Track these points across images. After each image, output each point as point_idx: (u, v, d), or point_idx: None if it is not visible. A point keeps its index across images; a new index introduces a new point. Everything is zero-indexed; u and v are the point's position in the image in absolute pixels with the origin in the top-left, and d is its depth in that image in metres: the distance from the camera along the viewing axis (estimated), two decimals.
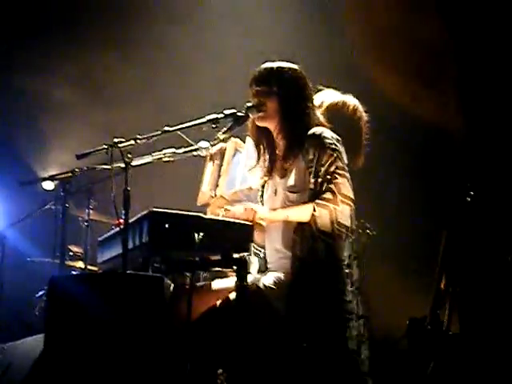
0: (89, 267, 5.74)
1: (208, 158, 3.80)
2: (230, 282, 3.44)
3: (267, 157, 3.57)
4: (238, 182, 3.57)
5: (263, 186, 3.63)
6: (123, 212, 3.18)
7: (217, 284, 3.52)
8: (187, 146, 3.58)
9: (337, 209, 3.25)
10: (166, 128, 3.44)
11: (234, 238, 3.25)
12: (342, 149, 3.40)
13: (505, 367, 4.45)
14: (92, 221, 5.67)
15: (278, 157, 3.56)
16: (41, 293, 6.03)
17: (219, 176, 3.76)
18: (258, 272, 3.59)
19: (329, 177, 3.30)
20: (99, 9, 6.59)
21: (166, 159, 3.50)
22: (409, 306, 5.34)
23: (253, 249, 3.66)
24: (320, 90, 3.71)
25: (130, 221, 3.21)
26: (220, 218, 3.34)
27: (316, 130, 3.42)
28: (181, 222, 3.14)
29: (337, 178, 3.30)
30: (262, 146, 3.59)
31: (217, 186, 3.83)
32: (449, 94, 5.81)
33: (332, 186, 3.29)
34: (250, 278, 3.42)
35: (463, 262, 4.86)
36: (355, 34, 6.10)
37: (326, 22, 6.15)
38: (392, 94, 6.02)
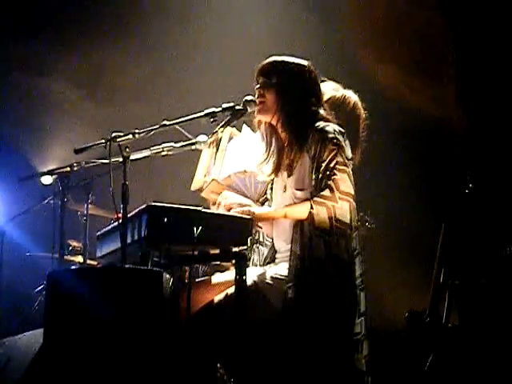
0: (88, 261, 5.74)
1: (204, 147, 3.77)
2: (229, 275, 3.44)
3: (275, 152, 3.54)
4: (232, 166, 3.54)
5: (272, 183, 3.62)
6: (122, 206, 3.18)
7: (216, 278, 3.52)
8: (186, 140, 3.57)
9: (335, 206, 3.22)
10: (165, 122, 3.44)
11: (233, 231, 3.24)
12: (345, 142, 3.36)
13: (503, 360, 4.46)
14: (91, 215, 5.67)
15: (285, 152, 3.53)
16: (40, 287, 6.04)
17: (214, 163, 3.74)
18: (265, 261, 3.58)
19: (328, 173, 3.26)
20: (98, 3, 6.58)
21: (165, 153, 3.50)
22: (408, 299, 5.35)
23: (261, 238, 3.66)
24: (322, 81, 3.70)
25: (129, 215, 3.21)
26: (219, 211, 3.34)
27: (319, 124, 3.38)
28: (180, 216, 3.13)
29: (336, 175, 3.26)
30: (269, 142, 3.55)
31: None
32: (448, 87, 5.80)
33: (331, 182, 3.25)
34: (257, 270, 3.43)
35: (462, 255, 4.86)
36: (355, 27, 6.09)
37: (326, 15, 6.14)
38: (391, 87, 6.01)
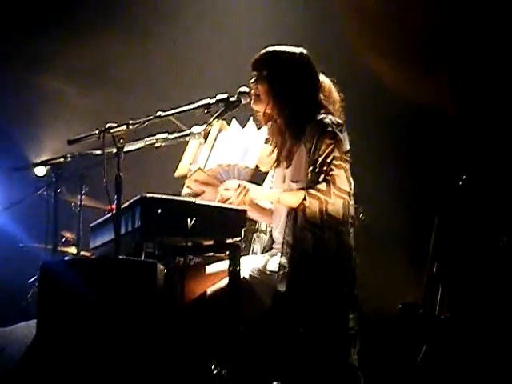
0: (82, 253, 5.74)
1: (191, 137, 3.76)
2: (223, 265, 3.44)
3: (274, 143, 3.53)
4: (219, 158, 3.55)
5: (272, 174, 3.62)
6: (115, 197, 3.17)
7: (210, 268, 3.53)
8: (180, 132, 3.57)
9: (328, 201, 3.22)
10: (159, 113, 3.43)
11: (227, 223, 3.25)
12: (342, 135, 3.34)
13: (496, 351, 4.47)
14: (84, 206, 5.66)
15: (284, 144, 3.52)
16: (33, 278, 6.03)
17: (201, 153, 3.74)
18: (264, 251, 3.59)
19: (325, 167, 3.25)
20: None
21: (159, 144, 3.49)
22: (401, 291, 5.36)
23: (263, 227, 3.65)
24: None
25: (123, 206, 3.20)
26: (213, 203, 3.34)
27: (317, 116, 3.36)
28: (173, 208, 3.14)
29: (333, 170, 3.25)
30: (270, 133, 3.55)
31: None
32: (442, 79, 5.80)
33: (327, 177, 3.24)
34: (259, 261, 3.43)
35: (455, 247, 4.87)
36: (349, 19, 6.09)
37: (320, 8, 6.13)
38: (384, 78, 6.01)
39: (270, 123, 3.53)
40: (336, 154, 3.28)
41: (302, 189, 3.29)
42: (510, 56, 5.57)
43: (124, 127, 3.32)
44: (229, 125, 3.68)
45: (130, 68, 6.69)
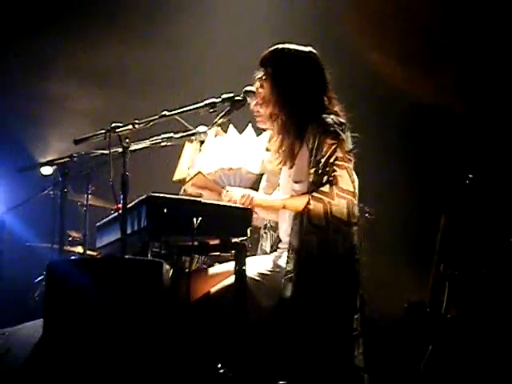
0: (88, 252, 5.74)
1: (186, 142, 3.78)
2: (228, 266, 3.44)
3: (279, 142, 3.51)
4: (220, 162, 3.55)
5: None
6: (122, 197, 3.17)
7: (215, 269, 3.53)
8: (185, 131, 3.57)
9: (332, 202, 3.21)
10: (164, 112, 3.43)
11: (233, 222, 3.25)
12: (345, 134, 3.33)
13: (502, 350, 4.47)
14: (91, 206, 5.66)
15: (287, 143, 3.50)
16: (40, 278, 6.04)
17: (198, 157, 3.74)
18: (272, 248, 3.59)
19: (328, 169, 3.24)
20: None
21: (164, 144, 3.49)
22: (408, 290, 5.35)
23: (272, 224, 3.65)
24: None
25: (129, 206, 3.21)
26: (218, 202, 3.34)
27: (319, 115, 3.34)
28: (179, 207, 3.14)
29: (335, 171, 3.24)
30: (275, 131, 3.53)
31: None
32: (447, 78, 5.79)
33: (330, 178, 3.23)
34: (264, 262, 3.43)
35: (462, 246, 4.86)
36: (353, 19, 6.08)
37: (324, 8, 6.13)
38: (390, 76, 6.00)
39: (271, 121, 3.52)
40: (338, 154, 3.27)
41: (306, 193, 3.28)
42: None
43: (130, 127, 3.32)
44: (225, 131, 3.69)
45: (136, 69, 6.70)
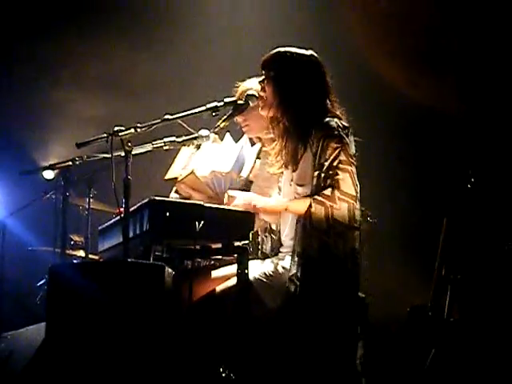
0: (90, 256, 5.74)
1: (183, 146, 3.79)
2: (229, 269, 3.44)
3: (279, 146, 3.51)
4: (214, 165, 3.57)
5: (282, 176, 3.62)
6: (124, 201, 3.17)
7: (217, 272, 3.53)
8: (187, 135, 3.57)
9: (333, 206, 3.21)
10: (166, 116, 3.43)
11: (235, 226, 3.25)
12: (349, 138, 3.33)
13: (504, 354, 4.46)
14: (92, 210, 5.67)
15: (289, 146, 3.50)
16: (42, 281, 6.04)
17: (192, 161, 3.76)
18: (272, 252, 3.59)
19: (330, 172, 3.24)
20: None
21: (167, 148, 3.50)
22: (409, 294, 5.35)
23: (273, 227, 3.65)
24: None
25: (131, 209, 3.21)
26: (221, 206, 3.34)
27: (322, 119, 3.34)
28: (181, 211, 3.14)
29: (338, 174, 3.23)
30: (276, 135, 3.54)
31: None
32: (448, 80, 5.79)
33: (333, 182, 3.23)
34: (266, 265, 3.43)
35: (464, 250, 4.86)
36: (354, 20, 6.08)
37: (326, 8, 6.12)
38: (390, 79, 6.00)
39: (272, 124, 3.52)
40: (342, 157, 3.26)
41: (308, 196, 3.28)
42: None
43: (132, 130, 3.33)
44: (221, 139, 3.72)
45: (139, 75, 6.71)
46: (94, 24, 6.54)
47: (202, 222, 3.11)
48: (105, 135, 3.33)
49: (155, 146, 3.45)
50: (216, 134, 3.64)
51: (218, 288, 3.39)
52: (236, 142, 3.77)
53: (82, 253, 6.18)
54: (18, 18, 6.52)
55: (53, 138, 6.91)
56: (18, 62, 6.70)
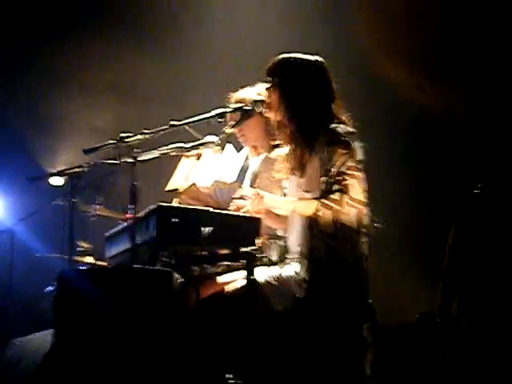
0: (98, 262, 5.76)
1: (183, 157, 3.81)
2: (237, 275, 3.44)
3: (290, 152, 3.52)
4: (216, 176, 3.58)
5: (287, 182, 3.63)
6: (131, 207, 3.18)
7: (224, 278, 3.53)
8: (194, 141, 3.58)
9: (342, 211, 3.21)
10: (173, 122, 3.44)
11: (242, 232, 3.25)
12: (355, 144, 3.33)
13: None
14: (100, 216, 5.68)
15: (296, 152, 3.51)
16: (50, 288, 6.05)
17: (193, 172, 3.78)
18: (280, 257, 3.59)
19: (339, 178, 3.24)
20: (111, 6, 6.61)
21: (174, 154, 3.51)
22: (418, 300, 5.33)
23: (279, 233, 3.65)
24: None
25: (138, 215, 3.21)
26: (228, 212, 3.35)
27: (329, 125, 3.34)
28: (188, 217, 3.14)
29: (346, 180, 3.23)
30: (282, 141, 3.55)
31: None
32: (456, 84, 5.77)
33: (341, 187, 3.23)
34: (274, 270, 3.43)
35: (472, 256, 4.84)
36: (361, 24, 6.07)
37: (335, 10, 6.12)
38: (397, 83, 5.99)
39: (279, 131, 3.53)
40: (349, 163, 3.27)
41: (316, 198, 3.28)
42: None
43: (139, 137, 3.34)
44: (222, 149, 3.74)
45: (145, 82, 6.72)
46: (100, 34, 6.55)
47: (209, 228, 3.11)
48: (112, 142, 3.34)
49: (162, 152, 3.46)
50: (218, 145, 3.67)
51: (226, 288, 3.39)
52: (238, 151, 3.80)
53: (89, 259, 6.19)
54: (27, 30, 6.55)
55: (61, 146, 6.93)
56: (27, 72, 6.72)
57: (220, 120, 3.50)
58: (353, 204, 3.23)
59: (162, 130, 3.41)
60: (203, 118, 3.49)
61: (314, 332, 3.19)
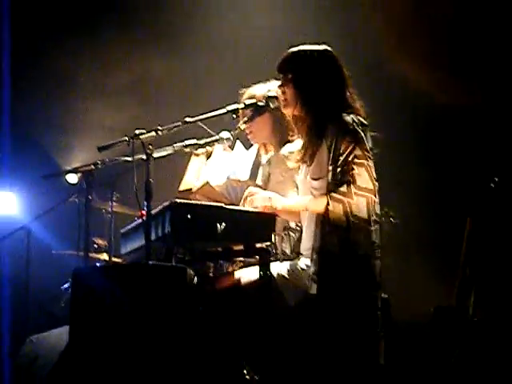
0: (113, 259, 5.77)
1: (193, 156, 3.81)
2: (253, 270, 3.45)
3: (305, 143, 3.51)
4: (228, 173, 3.58)
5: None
6: (145, 203, 3.19)
7: (240, 273, 3.53)
8: (208, 137, 3.58)
9: (351, 202, 3.20)
10: (187, 119, 3.44)
11: (257, 227, 3.25)
12: (365, 133, 3.31)
13: None
14: (115, 213, 5.69)
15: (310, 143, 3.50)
16: (66, 285, 6.08)
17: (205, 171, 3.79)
18: (293, 251, 3.59)
19: (346, 167, 3.23)
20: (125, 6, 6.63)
21: (188, 150, 3.51)
22: (434, 294, 5.31)
23: (292, 225, 3.64)
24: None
25: (153, 212, 3.22)
26: (242, 208, 3.35)
27: (339, 114, 3.34)
28: (203, 213, 3.15)
29: (353, 169, 3.22)
30: (300, 134, 3.55)
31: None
32: (471, 78, 5.74)
33: (348, 177, 3.22)
34: (287, 264, 3.44)
35: (488, 249, 4.82)
36: (379, 21, 6.05)
37: (350, 9, 6.10)
38: (410, 78, 5.96)
39: (295, 124, 3.53)
40: (357, 152, 3.25)
41: (324, 194, 3.28)
42: None
43: (153, 133, 3.34)
44: (232, 148, 3.73)
45: (158, 81, 6.74)
46: (115, 34, 6.57)
47: (224, 224, 3.11)
48: (126, 138, 3.35)
49: (176, 148, 3.46)
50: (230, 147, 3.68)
51: (242, 283, 3.39)
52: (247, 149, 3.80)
53: (105, 256, 6.21)
54: (41, 30, 6.58)
55: (76, 144, 6.96)
56: (43, 72, 6.75)
57: (233, 116, 3.50)
58: (362, 193, 3.22)
59: (176, 126, 3.42)
60: (216, 115, 3.49)
61: (327, 325, 3.19)
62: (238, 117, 3.59)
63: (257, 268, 3.32)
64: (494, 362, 4.42)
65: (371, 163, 3.29)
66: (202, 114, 3.47)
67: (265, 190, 3.71)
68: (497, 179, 4.72)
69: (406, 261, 5.74)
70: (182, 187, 3.73)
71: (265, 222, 3.27)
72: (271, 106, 3.62)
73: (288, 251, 3.62)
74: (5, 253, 6.17)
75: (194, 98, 6.37)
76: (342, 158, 3.25)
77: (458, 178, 5.61)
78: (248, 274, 3.43)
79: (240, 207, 3.36)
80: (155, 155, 3.31)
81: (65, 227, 5.95)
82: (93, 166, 3.90)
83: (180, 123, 3.42)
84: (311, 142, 3.42)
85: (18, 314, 5.73)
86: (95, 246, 6.33)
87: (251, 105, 3.62)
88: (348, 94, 3.43)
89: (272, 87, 3.71)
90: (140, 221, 3.35)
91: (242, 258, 3.63)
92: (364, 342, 3.20)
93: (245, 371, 3.30)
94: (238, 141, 3.73)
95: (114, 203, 5.65)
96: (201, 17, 6.50)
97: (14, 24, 6.53)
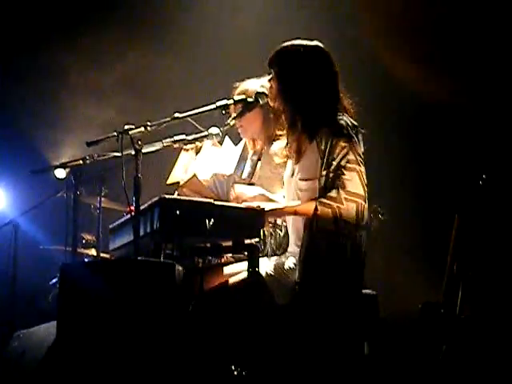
0: (102, 255, 5.76)
1: (182, 150, 3.81)
2: (241, 266, 3.45)
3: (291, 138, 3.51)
4: (216, 168, 3.58)
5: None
6: (134, 199, 3.18)
7: (228, 269, 3.53)
8: (198, 133, 3.58)
9: (341, 207, 3.19)
10: (176, 114, 3.44)
11: (246, 223, 3.25)
12: (357, 137, 3.31)
13: None
14: (103, 208, 5.69)
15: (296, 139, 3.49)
16: (54, 280, 6.07)
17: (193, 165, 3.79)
18: (280, 247, 3.59)
19: (338, 172, 3.23)
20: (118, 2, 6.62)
21: (177, 146, 3.50)
22: (421, 291, 5.33)
23: (278, 221, 3.65)
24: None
25: (141, 208, 3.21)
26: (231, 204, 3.35)
27: (332, 115, 3.33)
28: (192, 209, 3.14)
29: (344, 174, 3.21)
30: (285, 129, 3.54)
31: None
32: (459, 76, 5.76)
33: (339, 182, 3.22)
34: (274, 261, 3.45)
35: (475, 246, 4.84)
36: (365, 19, 6.06)
37: (338, 9, 6.11)
38: (399, 76, 5.97)
39: (286, 119, 3.53)
40: (350, 157, 3.25)
41: (314, 199, 3.27)
42: None
43: (142, 129, 3.34)
44: (220, 144, 3.74)
45: (150, 77, 6.73)
46: (106, 31, 6.56)
47: (213, 220, 3.11)
48: (115, 134, 3.34)
49: (165, 144, 3.45)
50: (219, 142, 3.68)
51: (230, 280, 3.39)
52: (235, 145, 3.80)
53: (93, 251, 6.20)
54: (32, 26, 6.57)
55: (64, 139, 6.94)
56: (32, 67, 6.73)
57: (223, 112, 3.50)
58: (352, 198, 3.21)
59: (165, 121, 3.41)
60: (206, 110, 3.48)
61: (313, 324, 3.20)
62: (227, 113, 3.58)
63: (245, 264, 3.32)
64: (481, 358, 4.44)
65: (363, 168, 3.29)
66: (191, 110, 3.46)
67: (250, 184, 3.72)
68: (485, 176, 4.73)
69: (393, 257, 5.76)
70: (170, 180, 3.72)
71: (253, 218, 3.27)
72: (260, 102, 3.62)
73: (275, 247, 3.62)
74: None
75: (184, 93, 6.36)
76: (334, 163, 3.25)
77: (445, 175, 5.63)
78: (237, 274, 3.43)
79: (229, 203, 3.36)
80: (144, 151, 3.30)
81: (53, 222, 5.95)
82: (81, 162, 3.89)
83: (169, 119, 3.42)
84: (296, 138, 3.41)
85: (5, 309, 5.71)
86: (83, 241, 6.32)
87: (240, 101, 3.62)
88: (339, 91, 3.42)
89: (265, 82, 3.71)
90: (128, 216, 3.34)
91: (230, 254, 3.63)
92: (349, 341, 3.22)
93: (232, 367, 3.29)
94: (226, 136, 3.73)
95: (103, 198, 5.64)
96: (190, 14, 6.49)
97: (3, 19, 6.51)
